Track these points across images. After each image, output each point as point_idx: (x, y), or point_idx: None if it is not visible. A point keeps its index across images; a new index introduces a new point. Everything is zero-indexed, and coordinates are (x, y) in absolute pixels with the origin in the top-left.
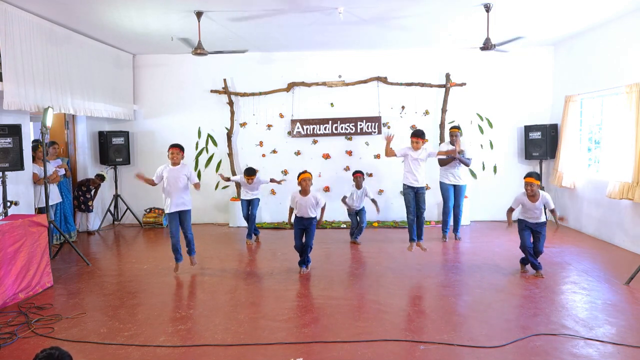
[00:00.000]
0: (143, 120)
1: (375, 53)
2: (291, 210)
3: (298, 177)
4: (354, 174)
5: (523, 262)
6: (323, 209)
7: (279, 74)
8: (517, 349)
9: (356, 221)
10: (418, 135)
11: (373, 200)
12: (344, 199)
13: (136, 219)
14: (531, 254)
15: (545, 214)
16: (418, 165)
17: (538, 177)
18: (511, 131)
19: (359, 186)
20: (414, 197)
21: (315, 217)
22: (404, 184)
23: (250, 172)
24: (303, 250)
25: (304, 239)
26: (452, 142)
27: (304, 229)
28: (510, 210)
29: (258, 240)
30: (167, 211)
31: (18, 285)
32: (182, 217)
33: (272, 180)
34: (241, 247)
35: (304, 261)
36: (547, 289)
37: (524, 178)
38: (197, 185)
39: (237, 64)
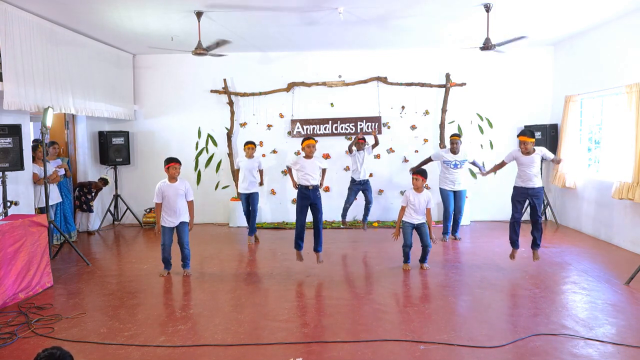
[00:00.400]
0: (143, 120)
1: (375, 53)
2: (290, 170)
3: (302, 142)
4: (357, 139)
5: (513, 245)
6: (324, 172)
7: (279, 74)
8: (517, 349)
9: (353, 199)
10: (420, 173)
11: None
12: (350, 147)
13: (136, 219)
14: (516, 232)
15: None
16: (420, 205)
17: (532, 134)
18: (511, 131)
19: (360, 148)
20: (411, 232)
21: (318, 188)
22: (403, 220)
23: (249, 142)
24: (315, 229)
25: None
26: (452, 150)
27: (309, 204)
28: (502, 163)
29: (257, 240)
30: (162, 224)
31: (18, 285)
32: (179, 230)
33: (260, 171)
34: (241, 247)
35: (318, 243)
36: (547, 289)
37: (518, 136)
38: (191, 203)
39: (237, 64)
